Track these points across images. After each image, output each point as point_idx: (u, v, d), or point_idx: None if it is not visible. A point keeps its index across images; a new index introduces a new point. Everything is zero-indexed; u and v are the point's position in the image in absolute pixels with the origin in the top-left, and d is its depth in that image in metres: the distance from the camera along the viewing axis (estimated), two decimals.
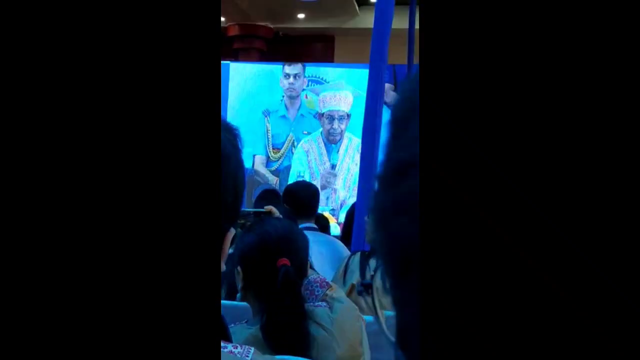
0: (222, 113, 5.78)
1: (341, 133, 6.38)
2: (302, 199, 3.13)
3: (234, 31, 7.83)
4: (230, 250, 0.89)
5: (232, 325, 1.30)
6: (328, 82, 6.60)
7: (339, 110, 6.39)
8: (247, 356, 0.69)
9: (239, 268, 1.35)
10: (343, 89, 6.45)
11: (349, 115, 6.32)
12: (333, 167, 6.61)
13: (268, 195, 3.53)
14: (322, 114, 6.42)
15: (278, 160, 6.65)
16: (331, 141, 6.34)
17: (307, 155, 6.55)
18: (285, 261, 1.29)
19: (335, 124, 6.35)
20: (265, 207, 2.04)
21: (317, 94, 6.52)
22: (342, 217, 5.28)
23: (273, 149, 6.66)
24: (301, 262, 1.38)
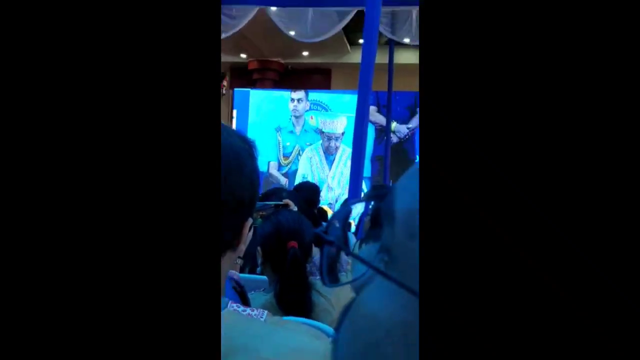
0: (243, 129, 5.54)
1: (336, 147, 6.63)
2: (306, 195, 3.35)
3: (253, 65, 7.69)
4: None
5: (252, 293, 1.30)
6: (327, 106, 6.80)
7: (335, 133, 6.65)
8: (262, 317, 0.67)
9: (259, 248, 1.35)
10: (339, 115, 6.65)
11: (343, 134, 6.53)
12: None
13: (275, 191, 3.94)
14: (323, 132, 6.67)
15: (287, 165, 6.82)
16: (329, 153, 6.62)
17: (310, 161, 6.74)
18: (294, 244, 1.27)
19: (332, 142, 6.64)
20: (284, 200, 1.98)
21: (324, 112, 6.82)
22: (337, 209, 5.28)
23: (283, 156, 6.79)
24: (307, 245, 1.35)
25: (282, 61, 7.79)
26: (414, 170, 0.31)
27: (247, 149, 0.64)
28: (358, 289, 0.31)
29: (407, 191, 0.30)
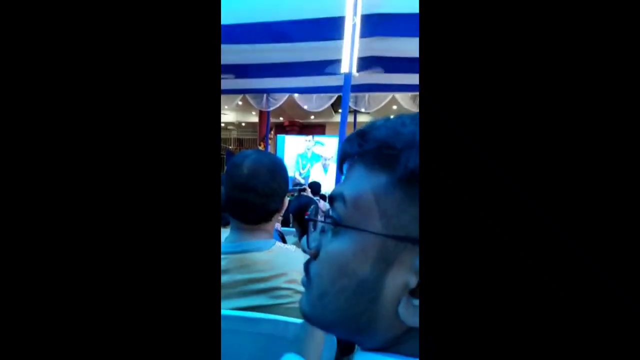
0: (281, 155, 8.97)
1: (329, 164, 8.41)
2: (314, 188, 4.51)
3: (286, 123, 9.80)
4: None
5: (287, 237, 1.88)
6: (323, 143, 8.64)
7: (328, 158, 8.46)
8: (292, 249, 0.91)
9: (290, 215, 1.92)
10: (331, 146, 8.34)
11: (332, 157, 8.29)
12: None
13: (298, 185, 5.40)
14: (321, 156, 8.60)
15: (303, 173, 8.71)
16: (325, 166, 8.55)
17: (316, 172, 8.62)
18: (307, 213, 1.70)
19: (327, 161, 8.49)
20: (303, 186, 3.21)
21: (322, 145, 8.50)
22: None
23: (302, 168, 8.76)
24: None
25: (301, 121, 9.84)
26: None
27: (283, 164, 0.93)
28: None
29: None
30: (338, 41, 2.75)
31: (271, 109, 6.27)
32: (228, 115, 9.73)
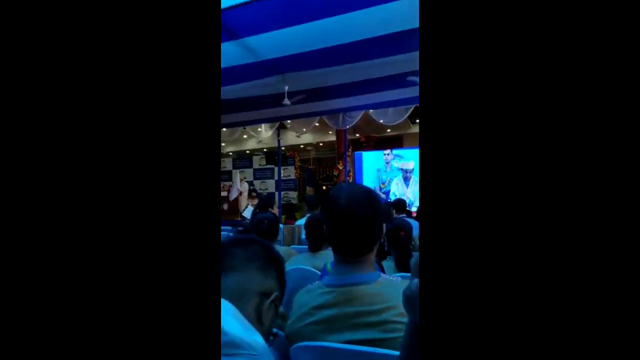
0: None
1: (410, 177, 8.19)
2: (399, 205, 4.44)
3: (362, 139, 9.67)
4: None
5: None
6: (402, 156, 8.42)
7: (408, 169, 8.28)
8: (398, 281, 0.91)
9: (385, 238, 1.95)
10: (410, 160, 8.24)
11: (412, 169, 8.13)
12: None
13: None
14: (402, 169, 8.37)
15: (384, 188, 8.50)
16: (406, 180, 8.32)
17: (397, 185, 8.39)
18: (402, 232, 1.88)
19: (407, 174, 8.29)
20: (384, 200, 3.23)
21: (401, 159, 8.41)
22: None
23: (382, 183, 8.56)
24: (408, 233, 1.90)
25: (377, 135, 9.70)
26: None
27: (375, 192, 0.99)
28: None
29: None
30: (414, 52, 2.71)
31: (347, 127, 6.36)
32: (306, 137, 9.95)
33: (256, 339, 0.54)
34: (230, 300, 0.57)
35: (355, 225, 0.91)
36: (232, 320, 0.54)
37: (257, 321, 0.59)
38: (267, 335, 0.57)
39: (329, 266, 1.38)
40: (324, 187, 10.23)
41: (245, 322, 0.56)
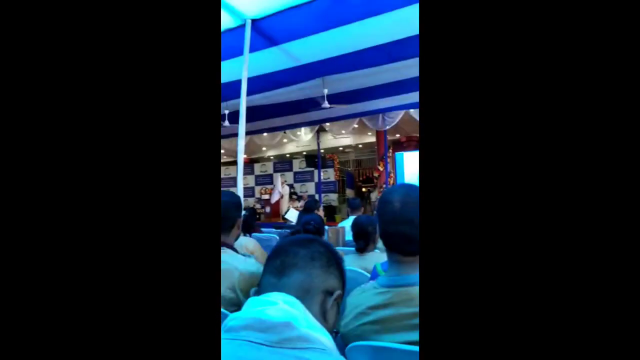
0: (400, 169, 9.04)
1: None
2: None
3: (403, 139, 9.55)
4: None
5: None
6: None
7: None
8: None
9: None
10: None
11: None
12: None
13: None
14: None
15: None
16: None
17: None
18: None
19: None
20: None
21: None
22: None
23: None
24: None
25: (418, 135, 8.94)
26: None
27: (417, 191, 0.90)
28: None
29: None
30: None
31: (387, 127, 6.34)
32: (346, 139, 9.91)
33: (325, 335, 0.55)
34: (296, 297, 0.59)
35: (407, 225, 0.92)
36: (301, 316, 0.56)
37: (322, 318, 0.60)
38: (330, 333, 0.58)
39: (379, 267, 1.37)
40: (363, 190, 10.12)
41: (313, 318, 0.57)
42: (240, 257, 1.25)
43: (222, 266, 1.17)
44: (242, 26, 3.09)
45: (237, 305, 1.18)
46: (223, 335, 0.52)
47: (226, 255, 1.23)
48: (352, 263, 1.94)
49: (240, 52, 3.07)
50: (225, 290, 1.15)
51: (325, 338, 0.56)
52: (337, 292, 0.63)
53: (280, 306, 0.55)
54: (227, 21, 3.02)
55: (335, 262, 0.67)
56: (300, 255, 0.64)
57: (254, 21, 3.09)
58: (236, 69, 3.20)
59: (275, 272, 0.63)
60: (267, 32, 3.24)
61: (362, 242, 2.02)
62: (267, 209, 8.12)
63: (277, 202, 7.99)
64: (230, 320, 0.54)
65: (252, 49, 3.17)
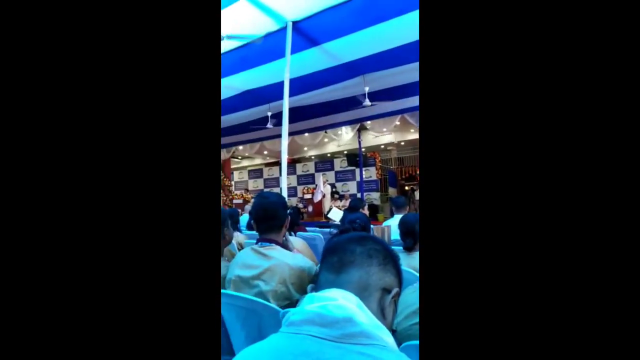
0: None
1: None
2: None
3: None
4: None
5: None
6: None
7: None
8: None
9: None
10: None
11: None
12: None
13: None
14: None
15: None
16: None
17: None
18: None
19: None
20: None
21: None
22: None
23: None
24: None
25: None
26: None
27: None
28: None
29: None
30: None
31: None
32: (388, 136, 9.82)
33: (385, 332, 0.55)
34: (354, 294, 0.59)
35: None
36: (362, 312, 0.56)
37: (381, 316, 0.59)
38: (389, 330, 0.57)
39: None
40: (406, 188, 9.97)
41: (372, 315, 0.57)
42: (289, 254, 1.29)
43: (272, 262, 1.22)
44: (284, 29, 3.17)
45: (288, 299, 1.20)
46: (285, 330, 0.54)
47: (275, 252, 1.27)
48: (401, 262, 1.87)
49: (282, 54, 3.14)
50: (276, 285, 1.19)
51: (385, 335, 0.55)
52: (395, 290, 0.63)
53: (340, 302, 0.55)
54: (268, 24, 3.10)
55: (392, 260, 0.66)
56: (357, 253, 0.63)
57: (294, 23, 3.16)
58: (279, 71, 3.30)
59: (332, 269, 0.63)
60: (307, 32, 3.29)
61: (410, 240, 1.96)
62: (310, 208, 8.16)
63: (320, 202, 8.03)
64: (292, 314, 0.55)
65: (294, 50, 3.23)
